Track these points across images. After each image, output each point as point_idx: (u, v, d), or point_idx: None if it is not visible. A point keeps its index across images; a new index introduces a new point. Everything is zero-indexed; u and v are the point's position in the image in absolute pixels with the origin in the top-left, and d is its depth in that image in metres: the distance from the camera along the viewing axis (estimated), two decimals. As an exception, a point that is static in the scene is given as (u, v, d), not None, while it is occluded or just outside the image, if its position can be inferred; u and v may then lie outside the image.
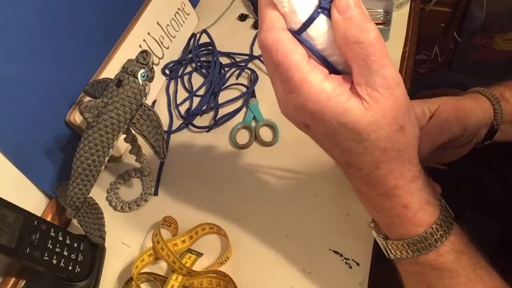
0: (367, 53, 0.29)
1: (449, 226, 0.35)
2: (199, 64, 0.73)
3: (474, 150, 0.66)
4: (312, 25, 0.30)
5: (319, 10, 0.29)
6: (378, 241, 0.38)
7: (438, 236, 0.34)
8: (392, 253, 0.37)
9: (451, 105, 0.46)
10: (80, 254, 0.48)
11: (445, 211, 0.36)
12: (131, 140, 0.54)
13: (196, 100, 0.69)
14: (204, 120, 0.66)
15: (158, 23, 0.69)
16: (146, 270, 0.51)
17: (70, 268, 0.47)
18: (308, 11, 0.30)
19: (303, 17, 0.30)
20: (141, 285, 0.49)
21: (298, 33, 0.31)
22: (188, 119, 0.66)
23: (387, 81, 0.30)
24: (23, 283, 0.51)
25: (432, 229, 0.34)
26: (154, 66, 0.50)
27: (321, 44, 0.31)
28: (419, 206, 0.35)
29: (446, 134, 0.44)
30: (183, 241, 0.52)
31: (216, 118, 0.65)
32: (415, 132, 0.33)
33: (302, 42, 0.31)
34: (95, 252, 0.51)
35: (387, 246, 0.37)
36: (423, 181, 0.35)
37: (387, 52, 0.30)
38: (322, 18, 0.30)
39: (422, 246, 0.35)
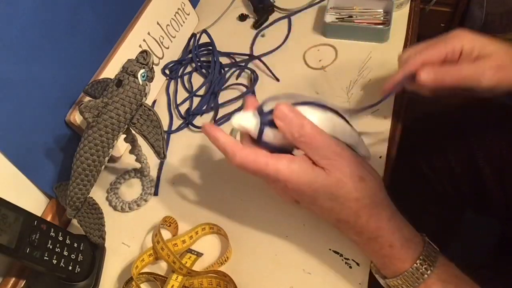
0: (311, 140, 0.39)
1: (433, 259, 0.40)
2: (199, 64, 0.73)
3: (474, 150, 0.66)
4: (263, 135, 0.41)
5: (262, 127, 0.41)
6: (379, 281, 0.44)
7: (423, 269, 0.39)
8: None
9: (498, 63, 0.45)
10: (80, 254, 0.48)
11: (427, 246, 0.41)
12: (131, 140, 0.54)
13: (196, 100, 0.69)
14: (204, 120, 0.66)
15: (158, 23, 0.69)
16: (146, 270, 0.51)
17: (70, 268, 0.47)
18: (255, 128, 0.41)
19: (255, 132, 0.41)
20: (141, 285, 0.49)
21: (258, 141, 0.41)
22: (188, 119, 0.66)
23: (334, 151, 0.40)
24: (23, 283, 0.51)
25: (417, 263, 0.39)
26: (154, 66, 0.50)
27: (277, 142, 0.41)
28: (402, 243, 0.40)
29: (474, 81, 0.46)
30: (183, 241, 0.52)
31: (216, 118, 0.65)
32: (375, 178, 0.41)
33: (265, 144, 0.41)
34: (95, 252, 0.51)
35: (387, 284, 0.42)
36: (400, 219, 0.42)
37: (323, 132, 0.40)
38: (267, 129, 0.41)
39: (411, 280, 0.39)
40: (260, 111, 0.42)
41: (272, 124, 0.40)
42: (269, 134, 0.41)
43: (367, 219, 0.40)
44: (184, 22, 0.75)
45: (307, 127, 0.39)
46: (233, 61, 0.73)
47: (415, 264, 0.39)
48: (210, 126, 0.42)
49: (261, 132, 0.41)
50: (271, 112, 0.41)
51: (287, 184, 0.40)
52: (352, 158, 0.41)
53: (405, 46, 0.67)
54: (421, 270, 0.39)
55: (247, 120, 0.41)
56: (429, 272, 0.39)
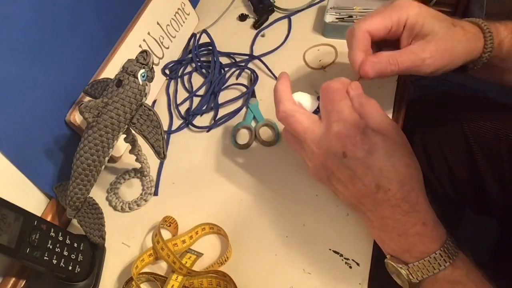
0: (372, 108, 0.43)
1: (456, 247, 0.40)
2: (199, 64, 0.73)
3: (474, 150, 0.66)
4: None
5: (317, 110, 0.46)
6: (400, 270, 0.41)
7: (452, 250, 0.39)
8: (414, 277, 0.40)
9: (438, 49, 0.47)
10: (80, 254, 0.48)
11: (450, 234, 0.41)
12: (131, 140, 0.54)
13: (196, 100, 0.69)
14: (204, 120, 0.66)
15: (158, 23, 0.69)
16: (146, 270, 0.51)
17: (70, 268, 0.47)
18: (311, 110, 0.47)
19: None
20: (141, 285, 0.49)
21: None
22: (188, 119, 0.66)
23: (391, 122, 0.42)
24: (23, 283, 0.51)
25: (447, 243, 0.39)
26: (154, 66, 0.50)
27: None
28: (433, 223, 0.40)
29: (413, 70, 0.48)
30: (183, 241, 0.52)
31: (216, 118, 0.65)
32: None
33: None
34: (95, 252, 0.51)
35: (409, 272, 0.40)
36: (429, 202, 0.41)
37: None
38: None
39: (440, 261, 0.38)
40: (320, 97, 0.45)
41: None
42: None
43: (409, 191, 0.39)
44: (184, 22, 0.75)
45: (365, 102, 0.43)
46: (233, 61, 0.73)
47: (445, 244, 0.39)
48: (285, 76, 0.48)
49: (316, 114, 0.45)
50: None
51: (352, 130, 0.40)
52: (403, 134, 0.42)
53: (405, 46, 0.67)
54: (451, 251, 0.39)
55: (307, 101, 0.47)
56: (457, 253, 0.39)
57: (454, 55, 0.47)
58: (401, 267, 0.40)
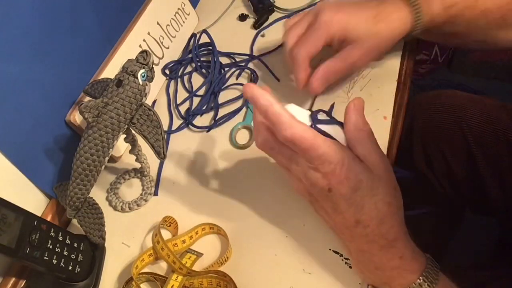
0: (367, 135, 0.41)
1: (437, 272, 0.41)
2: (199, 64, 0.73)
3: (474, 151, 0.66)
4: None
5: (313, 127, 0.42)
6: None
7: (432, 277, 0.40)
8: None
9: (364, 50, 0.53)
10: (80, 254, 0.48)
11: (430, 260, 0.42)
12: (131, 140, 0.54)
13: (196, 100, 0.69)
14: (204, 120, 0.66)
15: (158, 23, 0.69)
16: (146, 270, 0.51)
17: (70, 268, 0.47)
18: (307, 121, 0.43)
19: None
20: (141, 285, 0.49)
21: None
22: (188, 119, 0.66)
23: (379, 152, 0.42)
24: (23, 283, 0.51)
25: (426, 272, 0.40)
26: (154, 66, 0.50)
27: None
28: (411, 255, 0.41)
29: (350, 71, 0.59)
30: (183, 241, 0.52)
31: (216, 118, 0.65)
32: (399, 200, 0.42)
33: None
34: (95, 252, 0.51)
35: None
36: (407, 231, 0.42)
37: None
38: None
39: None
40: (314, 117, 0.43)
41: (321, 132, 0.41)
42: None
43: (388, 228, 0.40)
44: (184, 22, 0.75)
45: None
46: (233, 61, 0.72)
47: (423, 274, 0.40)
48: (257, 89, 0.41)
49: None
50: (324, 121, 0.42)
51: (337, 168, 0.39)
52: (389, 167, 0.42)
53: (404, 46, 0.67)
54: (429, 281, 0.39)
55: (301, 118, 0.42)
56: (436, 281, 0.40)
57: (380, 48, 0.54)
58: None
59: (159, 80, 0.71)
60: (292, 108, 0.43)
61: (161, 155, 0.51)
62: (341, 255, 0.49)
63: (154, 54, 0.69)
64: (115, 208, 0.58)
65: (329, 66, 0.54)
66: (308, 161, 0.40)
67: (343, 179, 0.39)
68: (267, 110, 0.40)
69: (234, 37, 0.76)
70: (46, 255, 0.44)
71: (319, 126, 0.42)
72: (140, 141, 0.54)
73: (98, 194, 0.59)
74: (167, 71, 0.72)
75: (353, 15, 0.52)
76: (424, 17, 0.52)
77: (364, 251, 0.42)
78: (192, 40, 0.77)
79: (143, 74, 0.48)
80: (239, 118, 0.65)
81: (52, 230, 0.46)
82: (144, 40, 0.67)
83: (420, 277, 0.39)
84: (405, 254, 0.40)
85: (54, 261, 0.45)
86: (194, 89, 0.70)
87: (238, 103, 0.67)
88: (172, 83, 0.72)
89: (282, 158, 0.43)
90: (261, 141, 0.44)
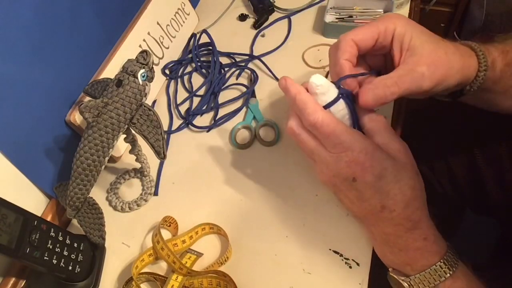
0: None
1: (457, 256, 0.42)
2: (199, 64, 0.73)
3: (474, 151, 0.66)
4: (332, 106, 0.43)
5: (338, 97, 0.43)
6: (402, 283, 0.42)
7: (452, 262, 0.41)
8: None
9: (433, 60, 0.43)
10: (80, 254, 0.48)
11: (451, 247, 0.42)
12: (131, 140, 0.54)
13: (196, 100, 0.69)
14: (204, 120, 0.66)
15: (158, 23, 0.69)
16: (146, 270, 0.51)
17: (70, 268, 0.47)
18: (332, 94, 0.43)
19: (326, 99, 0.43)
20: (141, 285, 0.49)
21: (326, 108, 0.43)
22: (188, 119, 0.66)
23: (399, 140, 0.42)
24: (23, 283, 0.51)
25: (446, 256, 0.41)
26: (154, 66, 0.50)
27: (339, 118, 0.43)
28: (434, 237, 0.41)
29: (414, 87, 0.43)
30: (183, 241, 0.52)
31: (216, 118, 0.66)
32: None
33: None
34: (95, 252, 0.51)
35: (411, 284, 0.42)
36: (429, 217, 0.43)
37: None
38: (339, 102, 0.43)
39: (440, 273, 0.40)
40: (338, 85, 0.44)
41: (345, 99, 0.43)
42: (337, 107, 0.43)
43: (413, 211, 0.41)
44: (184, 22, 0.75)
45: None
46: (233, 61, 0.73)
47: (445, 256, 0.41)
48: (290, 80, 0.43)
49: (334, 102, 0.43)
50: (347, 92, 0.43)
51: (361, 156, 0.39)
52: (410, 153, 0.42)
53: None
54: (450, 262, 0.40)
55: (325, 86, 0.42)
56: (457, 265, 0.41)
57: (450, 67, 0.44)
58: (403, 280, 0.42)
59: (159, 80, 0.71)
60: (317, 78, 0.43)
61: (161, 155, 0.51)
62: (341, 255, 0.49)
63: (154, 54, 0.69)
64: (115, 208, 0.58)
65: (390, 77, 0.43)
66: (331, 148, 0.41)
67: (367, 166, 0.40)
68: (295, 97, 0.42)
69: (234, 37, 0.76)
70: (46, 255, 0.44)
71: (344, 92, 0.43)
72: (140, 141, 0.54)
73: (98, 194, 0.59)
74: (167, 71, 0.72)
75: (421, 26, 0.46)
76: (488, 58, 0.46)
77: (389, 234, 0.42)
78: (192, 40, 0.77)
79: (143, 74, 0.48)
80: (239, 118, 0.65)
81: (52, 230, 0.46)
82: (144, 40, 0.67)
83: (441, 260, 0.40)
84: (428, 236, 0.41)
85: (54, 261, 0.45)
86: (194, 89, 0.70)
87: (238, 103, 0.67)
88: (172, 83, 0.72)
89: (307, 145, 0.44)
90: (290, 125, 0.45)
